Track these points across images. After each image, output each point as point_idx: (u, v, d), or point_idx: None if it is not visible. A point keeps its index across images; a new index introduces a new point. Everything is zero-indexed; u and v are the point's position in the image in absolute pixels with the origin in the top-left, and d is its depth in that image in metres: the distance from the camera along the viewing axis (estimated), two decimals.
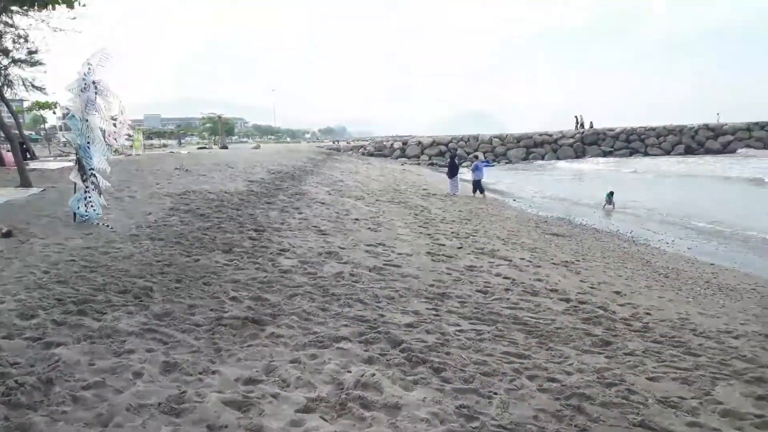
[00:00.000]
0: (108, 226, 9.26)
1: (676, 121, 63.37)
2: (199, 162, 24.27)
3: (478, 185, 21.87)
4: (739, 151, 52.13)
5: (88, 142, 9.47)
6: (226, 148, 55.15)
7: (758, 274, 11.03)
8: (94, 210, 9.50)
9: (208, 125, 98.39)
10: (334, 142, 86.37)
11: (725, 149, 53.76)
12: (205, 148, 56.99)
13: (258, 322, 5.07)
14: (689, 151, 53.95)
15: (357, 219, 11.74)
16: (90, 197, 9.47)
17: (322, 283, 6.51)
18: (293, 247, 8.35)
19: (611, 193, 21.13)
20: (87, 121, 9.34)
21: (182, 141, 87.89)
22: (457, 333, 5.20)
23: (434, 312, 5.79)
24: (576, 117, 64.04)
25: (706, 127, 57.32)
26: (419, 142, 58.64)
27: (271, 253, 7.80)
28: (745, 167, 37.10)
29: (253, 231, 9.31)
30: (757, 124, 56.71)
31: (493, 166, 49.95)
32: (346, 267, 7.38)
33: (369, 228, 10.82)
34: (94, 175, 9.62)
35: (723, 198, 24.71)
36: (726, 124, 57.82)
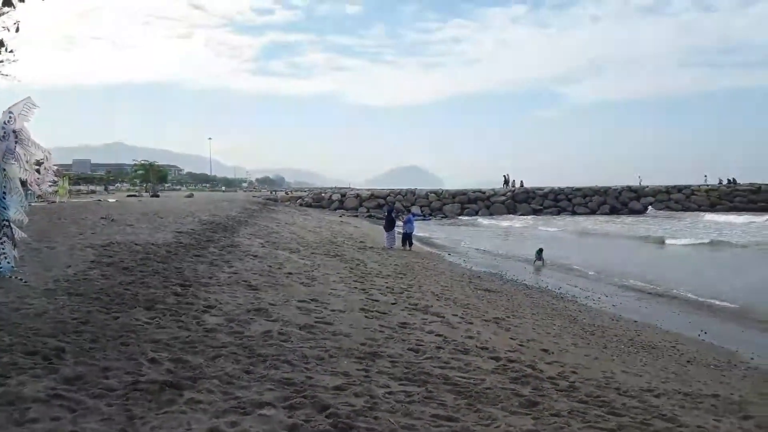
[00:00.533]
0: (21, 279, 8.66)
1: (608, 181, 66.97)
2: (126, 211, 23.40)
3: (408, 238, 22.14)
4: (647, 212, 55.46)
5: (4, 192, 8.94)
6: (158, 196, 53.68)
7: (677, 331, 11.53)
8: (8, 262, 8.89)
9: (139, 172, 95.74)
10: (271, 192, 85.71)
11: (647, 209, 57.07)
12: (134, 195, 55.26)
13: (176, 386, 4.78)
14: (614, 211, 56.83)
15: (290, 273, 11.54)
16: (3, 249, 8.87)
17: (248, 342, 6.27)
18: (220, 303, 8.06)
19: (541, 250, 21.83)
20: (4, 170, 8.84)
21: (110, 188, 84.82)
22: (387, 395, 5.08)
23: (364, 373, 5.66)
24: (504, 176, 66.55)
25: (629, 188, 60.90)
26: (358, 195, 59.13)
27: (196, 310, 7.49)
28: (651, 227, 39.45)
29: (179, 286, 8.94)
30: (675, 186, 60.92)
31: (430, 220, 50.88)
32: (276, 325, 7.17)
33: (302, 282, 10.64)
34: (9, 226, 9.05)
35: (637, 256, 25.97)
36: (647, 187, 61.63)
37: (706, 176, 66.65)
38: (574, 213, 56.76)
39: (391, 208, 28.52)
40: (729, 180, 64.10)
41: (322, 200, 58.27)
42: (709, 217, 47.32)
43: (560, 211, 57.31)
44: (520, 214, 55.03)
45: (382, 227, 23.53)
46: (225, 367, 5.39)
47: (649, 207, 56.97)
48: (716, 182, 63.77)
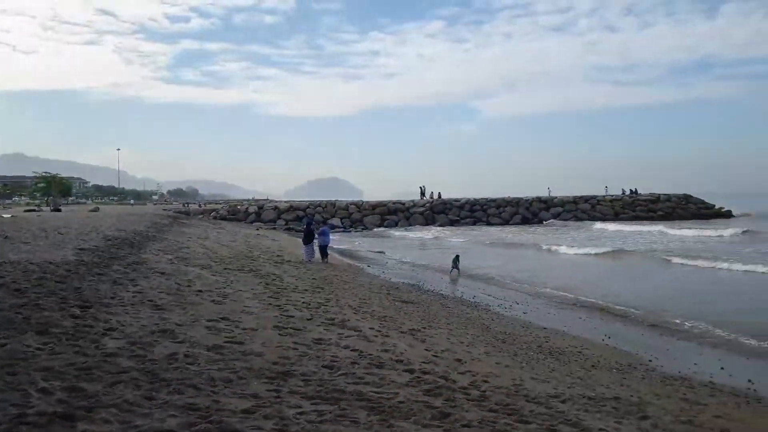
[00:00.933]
0: None
1: (522, 192, 69.66)
2: (23, 227, 21.78)
3: (324, 250, 22.01)
4: (545, 222, 58.26)
5: None
6: (59, 210, 50.43)
7: (584, 336, 12.09)
8: None
9: (41, 185, 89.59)
10: (184, 205, 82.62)
11: (557, 218, 59.90)
12: (34, 210, 51.62)
13: (69, 417, 4.43)
14: (525, 221, 59.22)
15: (201, 290, 11.10)
16: None
17: (151, 366, 5.93)
18: (122, 325, 7.59)
19: (457, 257, 22.31)
20: None
21: (6, 202, 78.77)
22: (298, 416, 4.95)
23: (275, 393, 5.49)
24: (420, 187, 67.71)
25: (539, 199, 63.69)
26: (276, 207, 58.18)
27: (95, 334, 7.01)
28: (559, 236, 41.51)
29: (77, 308, 8.36)
30: (582, 197, 64.43)
31: (350, 232, 50.89)
32: (182, 347, 6.83)
33: (213, 300, 10.26)
34: None
35: (544, 265, 27.16)
36: (556, 197, 64.72)
37: (606, 187, 70.84)
38: (488, 223, 58.60)
39: (310, 220, 28.26)
40: (631, 190, 68.46)
41: (238, 213, 56.88)
42: (600, 225, 51.06)
43: (476, 222, 59.01)
44: (438, 225, 56.15)
45: (300, 240, 23.23)
46: (124, 393, 5.06)
47: (550, 218, 59.84)
48: (620, 193, 67.89)
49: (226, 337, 7.56)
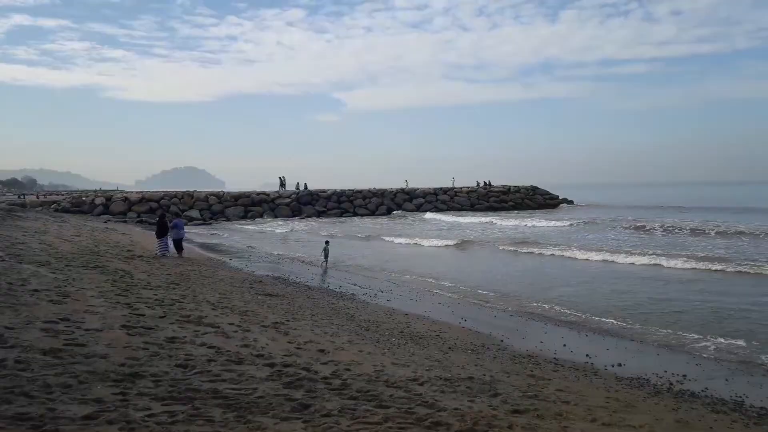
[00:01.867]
0: None
1: (386, 184, 71.15)
2: None
3: (178, 244, 20.94)
4: (393, 212, 60.46)
5: None
6: None
7: (443, 320, 12.64)
8: None
9: None
10: (19, 197, 74.10)
11: (419, 209, 62.22)
12: None
13: None
14: (390, 211, 60.82)
15: (36, 290, 9.96)
16: None
17: None
18: None
19: (326, 247, 22.29)
20: None
21: None
22: (146, 418, 4.61)
23: (121, 397, 5.07)
24: (280, 178, 66.82)
25: (402, 191, 65.70)
26: (126, 198, 54.07)
27: None
28: (409, 228, 43.29)
29: None
30: (441, 188, 67.51)
31: (210, 224, 48.78)
32: (12, 352, 6.07)
33: (51, 300, 9.26)
34: None
35: (403, 255, 28.14)
36: (417, 189, 67.16)
37: (453, 178, 74.15)
38: (355, 214, 59.40)
39: (164, 212, 26.64)
40: (485, 182, 72.95)
41: (83, 205, 52.08)
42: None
43: (343, 213, 59.48)
44: (305, 216, 55.79)
45: (154, 233, 21.82)
46: None
47: (432, 208, 62.25)
48: (474, 185, 72.05)
49: (65, 339, 6.85)
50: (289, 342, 8.37)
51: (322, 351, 7.91)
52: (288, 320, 10.43)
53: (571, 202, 72.54)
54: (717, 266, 20.15)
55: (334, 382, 6.21)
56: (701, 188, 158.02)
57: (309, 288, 16.33)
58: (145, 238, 28.02)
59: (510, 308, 14.43)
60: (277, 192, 61.62)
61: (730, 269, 19.66)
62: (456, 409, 5.62)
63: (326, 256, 22.08)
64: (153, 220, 36.41)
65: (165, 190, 66.58)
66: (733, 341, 11.03)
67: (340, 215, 58.61)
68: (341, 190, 64.10)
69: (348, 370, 6.83)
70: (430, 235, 35.40)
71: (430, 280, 18.92)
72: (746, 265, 20.06)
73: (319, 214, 57.72)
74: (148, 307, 9.62)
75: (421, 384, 6.55)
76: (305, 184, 66.67)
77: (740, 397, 8.03)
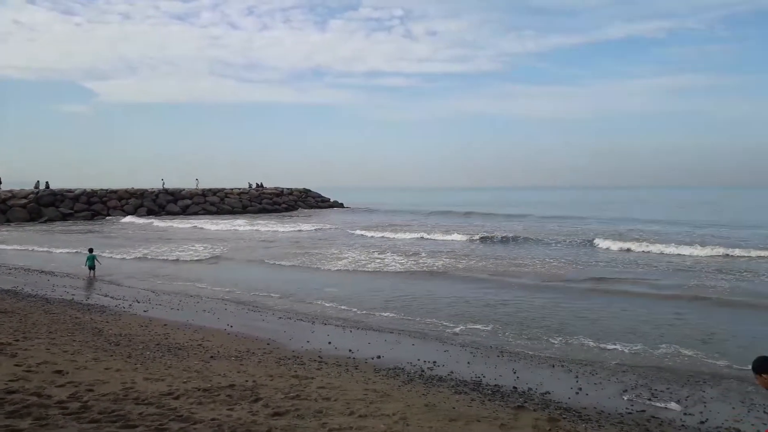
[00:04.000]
0: None
1: (149, 183, 65.69)
2: None
3: None
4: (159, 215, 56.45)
5: None
6: None
7: (208, 327, 12.08)
8: None
9: None
10: None
11: (185, 212, 58.93)
12: None
13: None
14: (151, 213, 56.55)
15: None
16: None
17: None
18: None
19: (91, 255, 19.82)
20: None
21: None
22: None
23: None
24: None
25: (166, 191, 61.62)
26: None
27: None
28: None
29: None
30: (210, 190, 64.91)
31: None
32: None
33: None
34: None
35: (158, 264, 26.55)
36: (184, 190, 63.64)
37: (197, 180, 70.88)
38: (108, 215, 53.96)
39: None
40: (257, 184, 72.26)
41: None
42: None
43: (95, 215, 53.58)
44: (46, 220, 48.87)
45: None
46: None
47: (201, 210, 59.02)
48: (246, 186, 70.85)
49: None
50: (17, 365, 7.15)
51: (59, 372, 6.91)
52: (17, 340, 8.93)
53: (341, 205, 75.64)
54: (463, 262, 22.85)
55: (71, 405, 5.45)
56: (457, 193, 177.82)
57: (48, 302, 14.27)
58: None
59: (278, 310, 14.42)
60: (10, 192, 52.84)
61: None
62: (213, 419, 5.36)
63: (92, 266, 19.64)
64: None
65: None
66: (477, 327, 12.56)
67: (92, 218, 52.84)
68: (92, 189, 57.72)
69: (90, 390, 6.07)
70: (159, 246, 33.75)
71: (200, 285, 18.05)
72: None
73: (65, 217, 51.17)
74: None
75: (177, 398, 6.12)
76: (47, 182, 58.53)
77: (479, 377, 9.10)
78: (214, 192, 64.67)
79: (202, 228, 43.30)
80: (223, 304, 15.27)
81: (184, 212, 58.96)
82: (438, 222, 48.80)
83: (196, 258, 25.81)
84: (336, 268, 22.25)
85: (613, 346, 11.02)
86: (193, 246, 30.21)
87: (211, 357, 9.33)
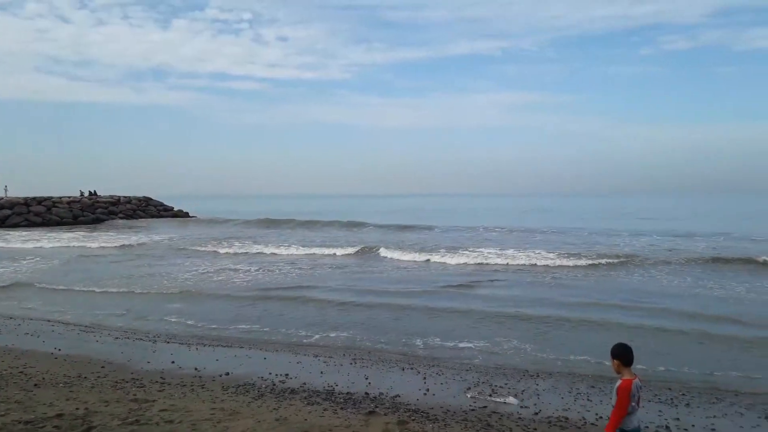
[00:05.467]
0: None
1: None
2: None
3: None
4: None
5: None
6: None
7: (32, 352, 10.81)
8: None
9: None
10: None
11: (4, 223, 52.30)
12: None
13: None
14: None
15: None
16: None
17: None
18: None
19: None
20: None
21: None
22: None
23: None
24: None
25: None
26: None
27: None
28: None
29: None
30: (35, 198, 58.12)
31: None
32: None
33: None
34: None
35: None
36: (2, 198, 56.43)
37: (6, 187, 64.79)
38: None
39: None
40: (90, 192, 66.19)
41: None
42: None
43: None
44: None
45: None
46: None
47: (22, 219, 52.49)
48: (78, 194, 64.61)
49: None
50: None
51: None
52: None
53: (186, 214, 71.56)
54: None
55: None
56: (318, 200, 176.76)
57: None
58: None
59: (114, 329, 13.33)
60: None
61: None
62: None
63: None
64: None
65: None
66: (335, 334, 12.62)
67: None
68: None
69: None
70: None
71: (27, 305, 16.11)
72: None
73: None
74: None
75: None
76: None
77: (331, 386, 9.11)
78: (39, 201, 57.99)
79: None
80: (50, 325, 13.77)
81: (2, 224, 52.27)
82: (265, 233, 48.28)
83: None
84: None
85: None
86: None
87: (35, 385, 8.36)
